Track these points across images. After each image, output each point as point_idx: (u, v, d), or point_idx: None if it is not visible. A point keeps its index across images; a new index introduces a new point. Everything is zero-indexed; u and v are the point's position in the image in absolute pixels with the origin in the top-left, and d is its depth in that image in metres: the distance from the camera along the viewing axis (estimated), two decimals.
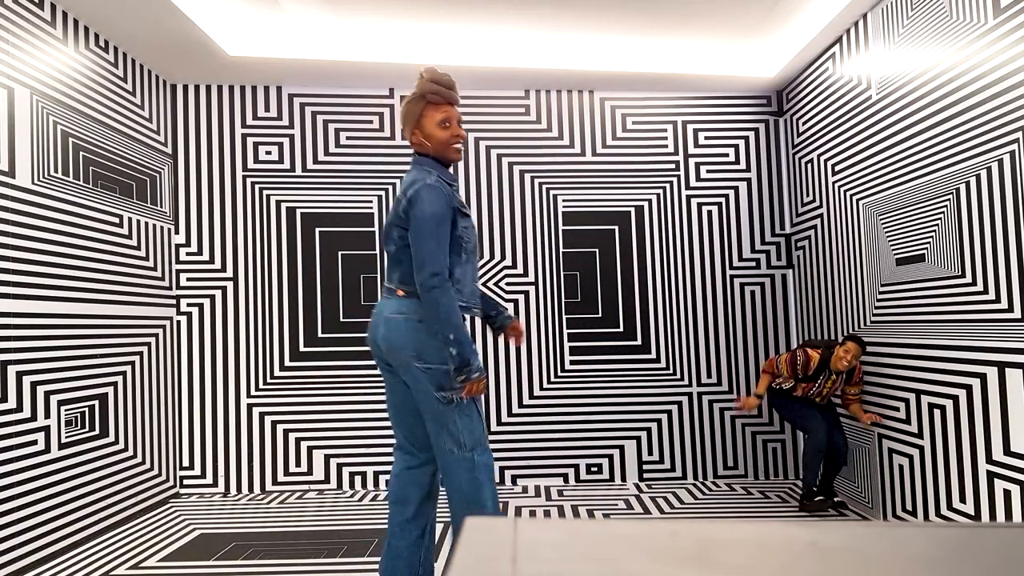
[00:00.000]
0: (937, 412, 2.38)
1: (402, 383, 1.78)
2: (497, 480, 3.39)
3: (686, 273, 3.56)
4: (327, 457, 3.38)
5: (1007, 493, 2.05)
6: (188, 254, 3.38)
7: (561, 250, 3.54)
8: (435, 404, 1.68)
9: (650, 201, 3.59)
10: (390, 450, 3.39)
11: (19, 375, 2.30)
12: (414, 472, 1.81)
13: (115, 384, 2.84)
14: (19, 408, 2.29)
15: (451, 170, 1.80)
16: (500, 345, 3.48)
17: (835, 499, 2.91)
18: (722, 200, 3.61)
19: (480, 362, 1.68)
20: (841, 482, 3.10)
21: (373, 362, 3.41)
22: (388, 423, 3.41)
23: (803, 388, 2.88)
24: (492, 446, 3.43)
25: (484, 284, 3.49)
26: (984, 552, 0.41)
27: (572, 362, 3.51)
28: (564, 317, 3.52)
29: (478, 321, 3.44)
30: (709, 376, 3.54)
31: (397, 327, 1.69)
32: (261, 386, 3.38)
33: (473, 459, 1.69)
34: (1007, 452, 2.05)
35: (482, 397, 1.71)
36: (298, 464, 3.37)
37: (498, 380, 3.47)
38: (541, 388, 3.49)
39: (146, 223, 3.12)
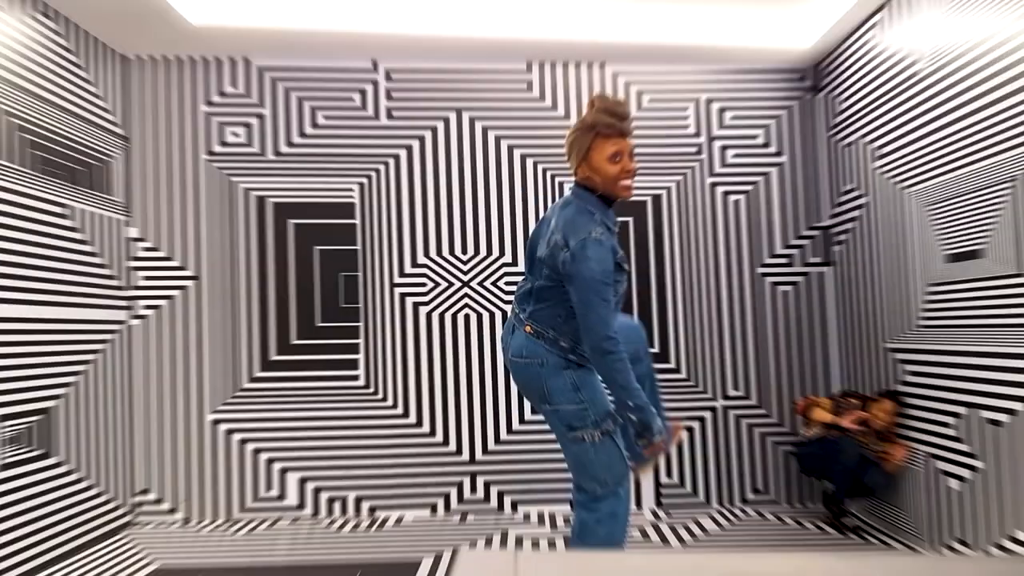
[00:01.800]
0: (995, 429, 2.38)
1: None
2: (494, 504, 3.40)
3: (710, 271, 3.56)
4: (302, 480, 3.38)
5: None
6: (144, 249, 3.38)
7: None
8: (568, 443, 1.87)
9: (669, 189, 3.59)
10: (373, 472, 3.40)
11: None
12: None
13: (64, 397, 2.84)
14: None
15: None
16: (497, 354, 3.48)
17: (844, 519, 3.11)
18: (751, 188, 3.61)
19: (660, 424, 1.80)
20: (886, 509, 3.10)
21: (354, 372, 3.42)
22: (371, 442, 3.41)
23: (832, 434, 3.03)
24: (489, 467, 3.43)
25: (480, 283, 3.49)
26: None
27: None
28: None
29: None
30: (736, 388, 3.54)
31: (521, 371, 1.90)
32: (227, 400, 3.39)
33: (615, 497, 1.85)
34: None
35: (618, 432, 1.89)
36: (269, 488, 3.37)
37: (496, 394, 3.47)
38: None
39: (97, 214, 3.12)
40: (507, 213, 3.53)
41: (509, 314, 2.05)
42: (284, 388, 3.41)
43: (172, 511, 3.33)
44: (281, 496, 3.38)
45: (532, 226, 3.54)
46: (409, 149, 3.52)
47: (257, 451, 3.38)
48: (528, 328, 1.87)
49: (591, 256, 1.66)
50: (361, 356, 3.44)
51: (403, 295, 3.48)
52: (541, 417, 3.46)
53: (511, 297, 3.47)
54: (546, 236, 1.84)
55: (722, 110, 3.63)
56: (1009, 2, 2.27)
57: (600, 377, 1.80)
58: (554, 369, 1.82)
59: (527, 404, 3.48)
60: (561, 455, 3.44)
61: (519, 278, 3.49)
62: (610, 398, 1.84)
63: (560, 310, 1.81)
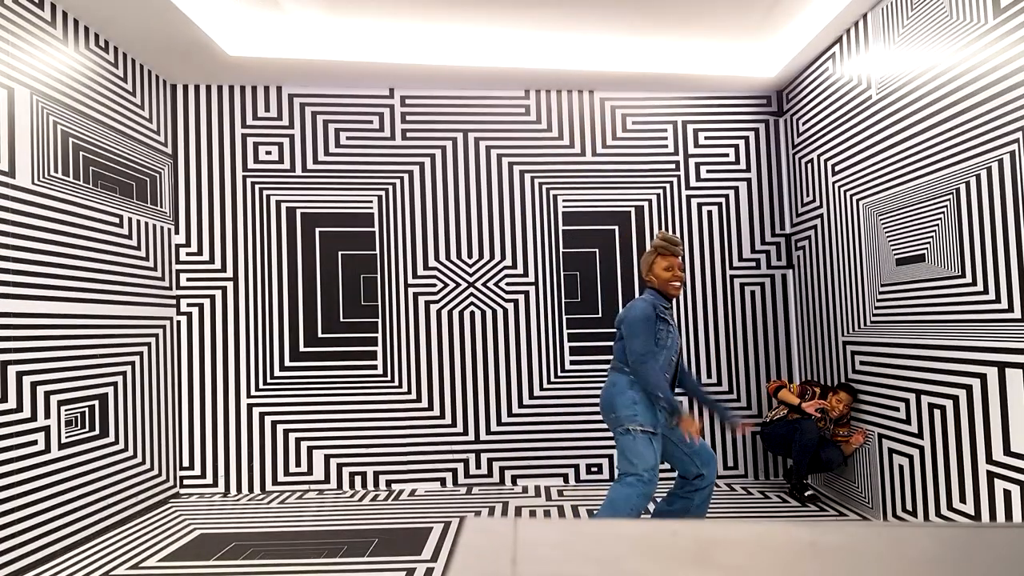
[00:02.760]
0: (937, 412, 2.38)
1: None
2: (496, 479, 3.40)
3: (686, 273, 3.56)
4: (327, 457, 3.38)
5: (1007, 493, 2.05)
6: (188, 254, 3.38)
7: (561, 250, 3.54)
8: (618, 436, 2.28)
9: (650, 201, 3.59)
10: (389, 450, 3.39)
11: (19, 375, 2.30)
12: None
13: (115, 384, 2.84)
14: (19, 408, 2.29)
15: (671, 302, 2.40)
16: (499, 341, 3.48)
17: (807, 493, 3.09)
18: (722, 200, 3.61)
19: (684, 408, 2.21)
20: (841, 482, 3.10)
21: (373, 362, 3.41)
22: (388, 424, 3.41)
23: (791, 416, 3.04)
24: (492, 446, 3.43)
25: (484, 284, 3.49)
26: (984, 552, 0.41)
27: (572, 362, 3.51)
28: (564, 317, 3.52)
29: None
30: (709, 376, 3.54)
31: (603, 391, 2.39)
32: (261, 386, 3.38)
33: (638, 479, 2.18)
34: (1007, 452, 2.05)
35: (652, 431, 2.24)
36: (298, 464, 3.37)
37: (498, 380, 3.47)
38: (541, 388, 3.49)
39: (146, 223, 3.12)
40: (507, 222, 3.53)
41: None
42: (311, 376, 3.41)
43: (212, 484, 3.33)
44: (309, 471, 3.37)
45: (531, 233, 3.54)
46: (422, 166, 3.52)
47: (287, 431, 3.38)
48: (610, 366, 2.42)
49: (636, 307, 2.28)
50: (379, 348, 3.44)
51: (416, 294, 3.47)
52: (538, 402, 3.47)
53: (511, 296, 3.48)
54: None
55: (697, 131, 3.63)
56: (945, 39, 2.27)
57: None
58: (622, 387, 2.29)
59: (525, 390, 3.48)
60: (553, 436, 3.44)
61: (518, 279, 3.50)
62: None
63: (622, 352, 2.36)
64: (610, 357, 3.50)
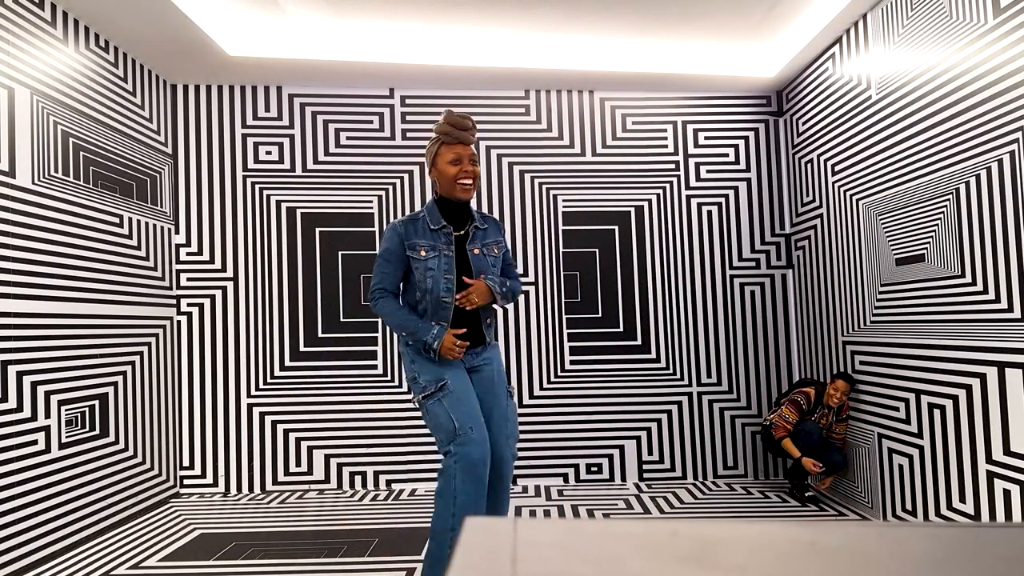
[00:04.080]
0: (937, 412, 2.38)
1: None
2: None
3: (686, 273, 3.56)
4: (327, 457, 3.38)
5: (1007, 493, 2.05)
6: (188, 254, 3.38)
7: (561, 250, 3.54)
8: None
9: (650, 201, 3.59)
10: (389, 449, 3.39)
11: (19, 375, 2.30)
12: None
13: (115, 384, 2.84)
14: (19, 408, 2.29)
15: (475, 213, 1.95)
16: (499, 341, 3.48)
17: (808, 493, 3.10)
18: (722, 200, 3.61)
19: (433, 334, 1.82)
20: (841, 483, 3.10)
21: (373, 362, 3.41)
22: (388, 423, 3.41)
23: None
24: None
25: None
26: (984, 552, 0.41)
27: (572, 362, 3.51)
28: (564, 317, 3.52)
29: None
30: (709, 376, 3.54)
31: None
32: (261, 386, 3.38)
33: (451, 458, 1.73)
34: (1007, 452, 2.05)
35: (447, 396, 1.82)
36: (298, 464, 3.37)
37: None
38: (541, 388, 3.49)
39: (146, 223, 3.12)
40: (507, 221, 3.53)
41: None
42: (311, 376, 3.41)
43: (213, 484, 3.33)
44: (309, 471, 3.37)
45: (530, 233, 3.54)
46: (421, 166, 3.52)
47: (288, 431, 3.38)
48: None
49: (384, 234, 1.90)
50: (379, 348, 3.44)
51: None
52: (536, 401, 3.47)
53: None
54: None
55: (697, 131, 3.63)
56: (944, 39, 2.27)
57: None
58: (402, 346, 1.93)
59: (525, 390, 3.48)
60: (552, 436, 3.44)
61: (519, 278, 3.49)
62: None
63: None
64: (611, 357, 3.51)
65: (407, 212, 3.48)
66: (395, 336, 1.90)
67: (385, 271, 1.87)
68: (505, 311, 3.49)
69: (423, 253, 1.83)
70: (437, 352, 1.81)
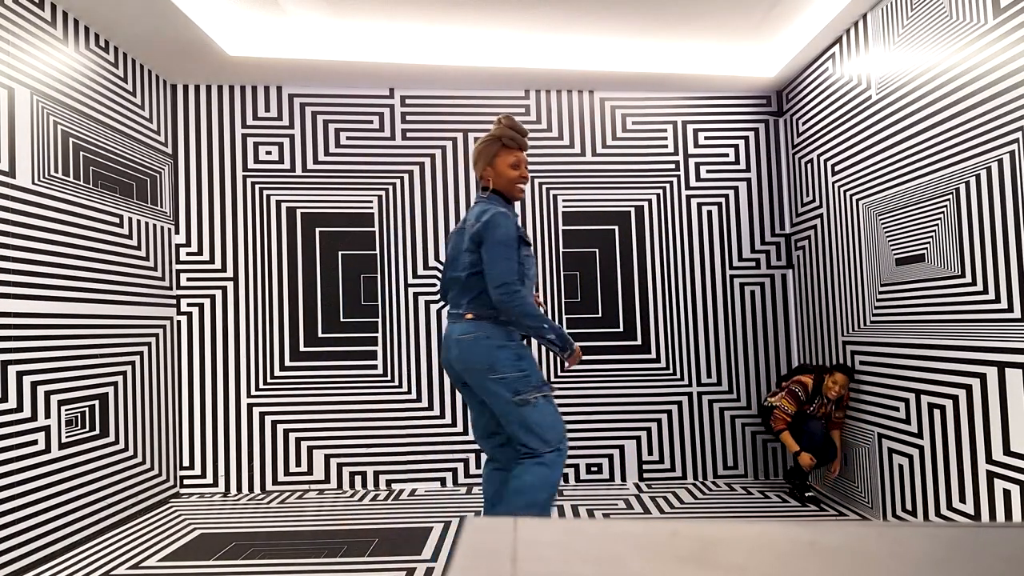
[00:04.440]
0: (937, 412, 2.38)
1: (479, 398, 1.98)
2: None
3: (686, 273, 3.56)
4: (327, 457, 3.38)
5: (1007, 493, 2.05)
6: (188, 254, 3.38)
7: (561, 250, 3.54)
8: (514, 409, 1.84)
9: (650, 201, 3.59)
10: (389, 449, 3.39)
11: (19, 375, 2.30)
12: (501, 473, 2.05)
13: (115, 384, 2.84)
14: (19, 408, 2.29)
15: (516, 207, 2.05)
16: None
17: (808, 494, 3.10)
18: (722, 200, 3.61)
19: (570, 337, 1.92)
20: (841, 483, 3.10)
21: (373, 362, 3.41)
22: (388, 423, 3.41)
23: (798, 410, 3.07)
24: None
25: None
26: (984, 552, 0.41)
27: None
28: (564, 317, 3.52)
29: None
30: (709, 376, 3.54)
31: (468, 347, 1.87)
32: (261, 386, 3.38)
33: (560, 452, 1.87)
34: (1007, 452, 2.05)
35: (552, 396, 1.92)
36: (298, 464, 3.37)
37: None
38: None
39: (146, 223, 3.12)
40: None
41: (445, 327, 2.02)
42: (311, 376, 3.41)
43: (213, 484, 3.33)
44: (309, 471, 3.37)
45: (530, 233, 3.54)
46: (421, 166, 3.52)
47: (288, 431, 3.38)
48: (468, 315, 1.90)
49: (499, 223, 1.81)
50: (379, 348, 3.44)
51: (416, 294, 3.47)
52: None
53: None
54: (468, 232, 1.91)
55: (697, 131, 3.63)
56: (944, 39, 2.27)
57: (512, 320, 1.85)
58: (500, 341, 1.86)
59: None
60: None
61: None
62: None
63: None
64: (611, 357, 3.51)
65: (407, 212, 3.48)
66: (476, 332, 1.86)
67: (512, 260, 1.81)
68: None
69: (529, 241, 1.94)
70: (571, 353, 1.89)
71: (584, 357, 3.50)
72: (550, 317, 3.50)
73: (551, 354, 3.49)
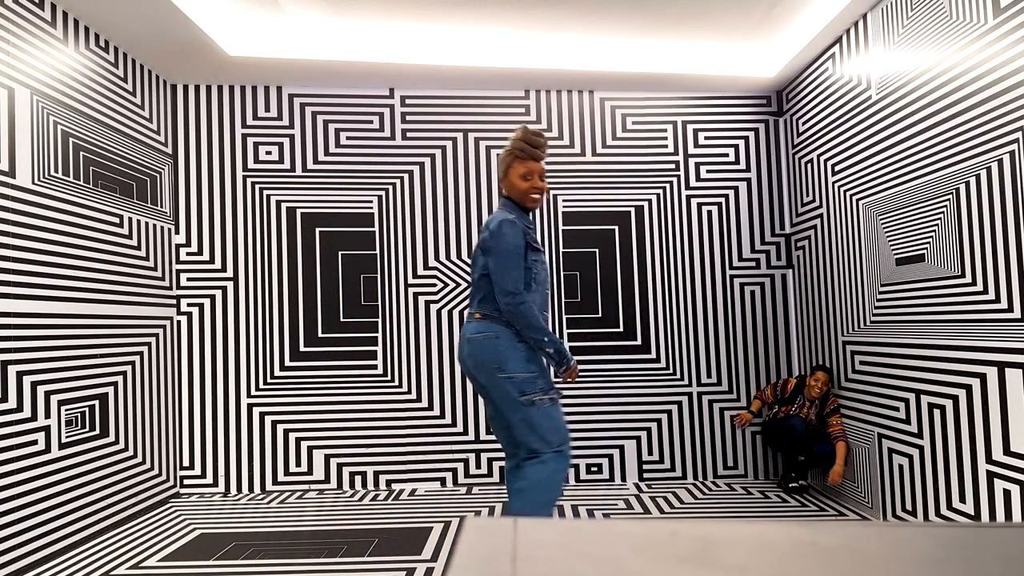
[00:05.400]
0: (937, 412, 2.38)
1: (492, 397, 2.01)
2: (496, 479, 3.40)
3: (686, 273, 3.56)
4: (327, 457, 3.38)
5: (1007, 493, 2.05)
6: (188, 254, 3.38)
7: (561, 250, 3.54)
8: (520, 408, 1.90)
9: (650, 201, 3.59)
10: (389, 449, 3.39)
11: (19, 375, 2.30)
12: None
13: (115, 384, 2.84)
14: (19, 408, 2.29)
15: (530, 215, 2.09)
16: None
17: (800, 483, 3.19)
18: (722, 200, 3.61)
19: (569, 353, 1.99)
20: (841, 482, 3.09)
21: (373, 362, 3.41)
22: (388, 423, 3.41)
23: (783, 411, 3.21)
24: (492, 446, 3.43)
25: None
26: (984, 552, 0.41)
27: None
28: (564, 317, 3.52)
29: None
30: (709, 376, 3.54)
31: (479, 346, 1.92)
32: (261, 386, 3.38)
33: (561, 454, 1.93)
34: (1007, 452, 2.05)
35: (560, 402, 1.98)
36: (298, 464, 3.37)
37: None
38: None
39: (146, 223, 3.12)
40: None
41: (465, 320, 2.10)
42: (311, 376, 3.41)
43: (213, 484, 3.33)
44: (309, 471, 3.37)
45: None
46: (421, 166, 3.52)
47: (288, 431, 3.38)
48: (478, 315, 1.97)
49: (504, 233, 1.87)
50: (379, 348, 3.44)
51: (416, 294, 3.47)
52: None
53: None
54: (481, 236, 2.02)
55: (697, 131, 3.63)
56: (944, 39, 2.27)
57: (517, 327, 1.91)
58: (510, 341, 1.91)
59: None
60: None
61: None
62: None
63: None
64: (611, 357, 3.51)
65: (407, 212, 3.48)
66: (487, 331, 1.92)
67: (517, 269, 1.87)
68: None
69: (539, 247, 1.99)
70: (569, 366, 1.96)
71: (584, 357, 3.50)
72: (551, 317, 3.50)
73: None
